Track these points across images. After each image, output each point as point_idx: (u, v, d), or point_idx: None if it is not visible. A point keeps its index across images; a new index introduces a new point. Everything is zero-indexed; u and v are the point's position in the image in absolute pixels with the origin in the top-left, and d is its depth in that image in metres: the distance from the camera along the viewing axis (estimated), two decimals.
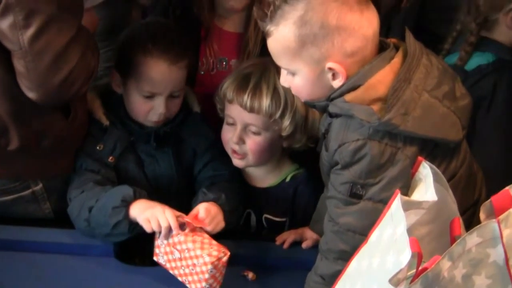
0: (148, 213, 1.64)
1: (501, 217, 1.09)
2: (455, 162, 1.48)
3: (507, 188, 1.15)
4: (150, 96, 1.82)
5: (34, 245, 1.76)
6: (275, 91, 1.79)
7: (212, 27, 2.18)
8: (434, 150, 1.43)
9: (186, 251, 1.60)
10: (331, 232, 1.49)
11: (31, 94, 1.58)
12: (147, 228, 1.63)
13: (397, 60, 1.43)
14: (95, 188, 1.79)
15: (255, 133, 1.83)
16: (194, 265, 1.58)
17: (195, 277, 1.60)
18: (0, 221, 1.80)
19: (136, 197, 1.70)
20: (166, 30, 1.90)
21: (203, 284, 1.58)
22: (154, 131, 1.87)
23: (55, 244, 1.77)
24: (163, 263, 1.66)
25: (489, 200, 1.16)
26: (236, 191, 1.88)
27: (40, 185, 1.81)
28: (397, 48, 1.47)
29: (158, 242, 1.64)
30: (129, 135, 1.88)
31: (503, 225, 1.08)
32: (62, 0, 1.53)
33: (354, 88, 1.40)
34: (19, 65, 1.55)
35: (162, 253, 1.65)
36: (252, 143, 1.83)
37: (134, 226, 1.68)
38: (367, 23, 1.41)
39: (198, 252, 1.58)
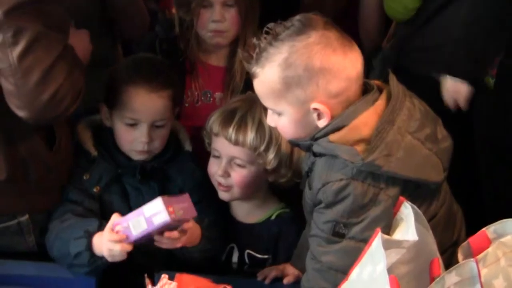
0: (104, 251, 1.66)
1: (479, 256, 1.12)
2: (436, 203, 1.52)
3: (484, 229, 1.18)
4: (133, 124, 1.86)
5: (16, 279, 1.76)
6: (260, 125, 1.83)
7: (198, 61, 2.24)
8: (416, 191, 1.47)
9: None
10: (313, 270, 1.51)
11: (21, 113, 1.61)
12: (119, 260, 1.66)
13: (380, 102, 1.48)
14: (71, 219, 1.81)
15: (240, 166, 1.86)
16: None
17: None
18: None
19: (100, 230, 1.71)
20: (150, 61, 1.98)
21: None
22: (141, 164, 1.90)
23: (36, 278, 1.77)
24: None
25: (466, 241, 1.19)
26: (220, 226, 1.91)
27: (26, 216, 1.82)
28: (380, 90, 1.51)
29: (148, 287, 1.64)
30: (116, 167, 1.91)
31: (481, 264, 1.11)
32: (47, 18, 1.57)
33: (338, 129, 1.44)
34: (8, 83, 1.58)
35: None
36: (237, 176, 1.86)
37: (95, 259, 1.70)
38: (350, 64, 1.46)
39: None
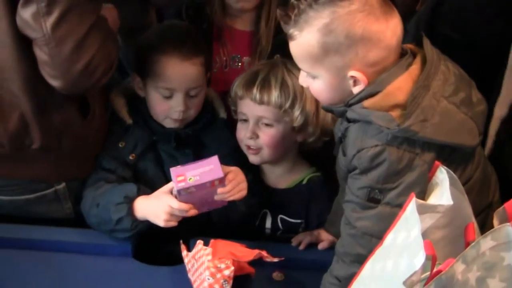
0: (162, 216, 1.68)
1: None
2: (471, 166, 1.51)
3: None
4: (169, 96, 1.87)
5: (53, 245, 1.80)
6: (283, 83, 1.84)
7: (224, 26, 2.23)
8: (451, 155, 1.46)
9: (201, 260, 1.63)
10: (348, 236, 1.51)
11: (55, 82, 1.63)
12: (172, 225, 1.69)
13: (415, 67, 1.45)
14: (105, 185, 1.84)
15: (267, 125, 1.87)
16: (200, 273, 1.61)
17: (198, 283, 1.61)
18: (20, 220, 1.84)
19: (139, 195, 1.75)
20: (179, 29, 1.98)
21: None
22: (175, 131, 1.92)
23: (73, 244, 1.81)
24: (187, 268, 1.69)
25: (502, 207, 1.18)
26: (258, 186, 1.93)
27: (63, 184, 1.86)
28: (414, 54, 1.49)
29: (183, 254, 1.68)
30: (152, 135, 1.93)
31: None
32: None
33: (372, 95, 1.43)
34: (42, 53, 1.59)
35: (186, 262, 1.68)
36: (265, 136, 1.87)
37: (137, 223, 1.74)
38: (391, 33, 1.43)
39: (204, 258, 1.60)
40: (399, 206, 1.37)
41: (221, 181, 1.67)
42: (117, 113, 1.94)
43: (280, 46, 2.05)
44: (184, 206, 1.66)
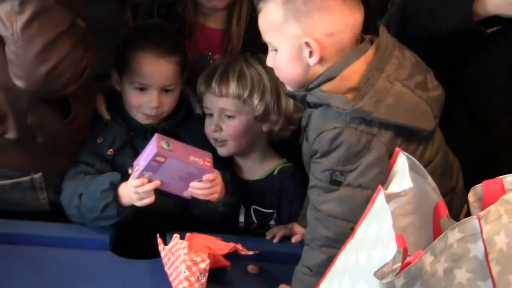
0: (133, 196, 1.69)
1: (481, 213, 1.12)
2: (430, 151, 1.52)
3: (501, 177, 1.17)
4: (143, 89, 1.86)
5: (30, 239, 1.75)
6: (241, 74, 1.86)
7: (196, 24, 2.19)
8: (409, 138, 1.47)
9: (177, 253, 1.61)
10: (314, 220, 1.51)
11: (19, 83, 1.59)
12: (147, 202, 1.69)
13: (370, 52, 1.47)
14: (85, 177, 1.82)
15: (230, 117, 1.88)
16: (177, 266, 1.59)
17: (175, 276, 1.60)
18: None
19: (123, 180, 1.73)
20: (158, 27, 1.98)
21: (179, 286, 1.57)
22: (152, 127, 1.89)
23: (50, 238, 1.76)
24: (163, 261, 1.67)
25: (480, 184, 1.18)
26: (236, 182, 1.92)
27: (40, 174, 1.82)
28: (372, 43, 1.51)
29: (160, 247, 1.66)
30: (129, 130, 1.91)
31: (483, 221, 1.11)
32: None
33: (330, 79, 1.45)
34: (9, 51, 1.56)
35: (163, 255, 1.66)
36: (229, 128, 1.88)
37: (122, 209, 1.73)
38: (348, 11, 1.46)
39: (180, 251, 1.58)
40: (360, 186, 1.43)
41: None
42: (95, 109, 1.91)
43: (251, 44, 2.06)
44: (136, 182, 1.66)
